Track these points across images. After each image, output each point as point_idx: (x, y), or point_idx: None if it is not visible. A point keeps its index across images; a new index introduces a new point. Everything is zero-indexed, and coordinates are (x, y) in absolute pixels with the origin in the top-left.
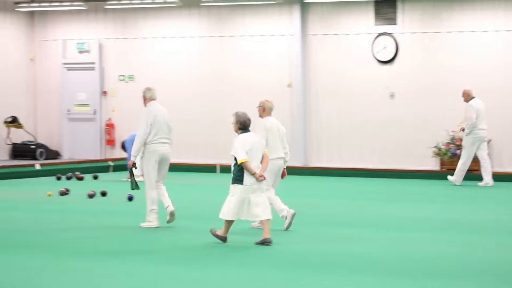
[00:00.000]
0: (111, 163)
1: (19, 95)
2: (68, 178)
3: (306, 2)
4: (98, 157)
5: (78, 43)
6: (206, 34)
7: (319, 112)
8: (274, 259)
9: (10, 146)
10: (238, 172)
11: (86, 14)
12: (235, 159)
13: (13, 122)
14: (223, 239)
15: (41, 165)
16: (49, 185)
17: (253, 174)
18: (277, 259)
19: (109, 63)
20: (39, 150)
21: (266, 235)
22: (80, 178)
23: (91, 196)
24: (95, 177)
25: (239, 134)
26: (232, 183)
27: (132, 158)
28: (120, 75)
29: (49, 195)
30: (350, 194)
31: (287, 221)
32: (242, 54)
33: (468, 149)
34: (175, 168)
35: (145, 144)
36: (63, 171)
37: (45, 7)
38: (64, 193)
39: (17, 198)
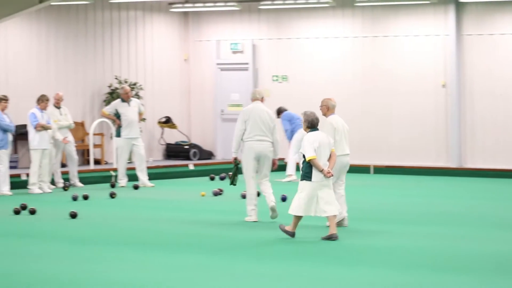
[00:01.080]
0: None
1: (173, 95)
2: (222, 179)
3: (461, 2)
4: None
5: (231, 44)
6: (360, 34)
7: (473, 112)
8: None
9: (164, 146)
10: (307, 169)
11: (239, 14)
12: (304, 156)
13: (167, 122)
14: (292, 234)
15: (195, 165)
16: (203, 185)
17: (321, 171)
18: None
19: (263, 63)
20: (192, 151)
21: (333, 230)
22: None
23: (244, 196)
24: None
25: (307, 132)
26: (301, 179)
27: (233, 155)
28: (274, 76)
29: (203, 195)
30: (495, 196)
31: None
32: (395, 54)
33: None
34: None
35: (243, 141)
36: (217, 172)
37: (199, 7)
38: (217, 193)
39: (171, 198)
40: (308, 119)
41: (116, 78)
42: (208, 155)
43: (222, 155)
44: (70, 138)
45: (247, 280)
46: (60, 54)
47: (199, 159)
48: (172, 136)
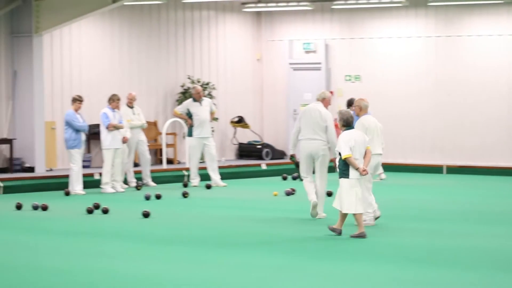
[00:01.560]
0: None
1: (246, 95)
2: (294, 178)
3: None
4: None
5: (304, 43)
6: (433, 34)
7: None
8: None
9: (237, 146)
10: (344, 167)
11: (312, 14)
12: (340, 154)
13: (240, 122)
14: (339, 232)
15: (267, 165)
16: (275, 185)
17: (356, 169)
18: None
19: (335, 63)
20: (265, 150)
21: (361, 229)
22: None
23: None
24: None
25: (343, 131)
26: (339, 177)
27: (290, 152)
28: (347, 75)
29: (275, 195)
30: None
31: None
32: (469, 54)
33: None
34: (401, 168)
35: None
36: (289, 171)
37: (271, 7)
38: (290, 193)
39: (243, 198)
40: (343, 118)
41: (188, 78)
42: (281, 154)
43: None
44: (143, 137)
45: (320, 279)
46: (133, 54)
47: (271, 158)
48: (245, 136)
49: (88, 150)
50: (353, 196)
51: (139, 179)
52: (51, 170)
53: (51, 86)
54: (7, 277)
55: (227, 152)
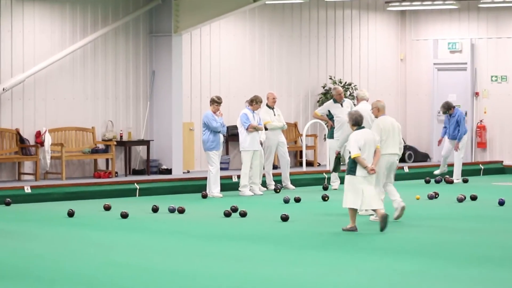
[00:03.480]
0: (481, 166)
1: (389, 95)
2: (437, 182)
3: None
4: (469, 160)
5: (449, 43)
6: None
7: None
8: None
9: None
10: (352, 164)
11: (458, 13)
12: (350, 153)
13: None
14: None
15: (409, 168)
16: (418, 188)
17: (365, 167)
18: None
19: (481, 63)
20: (407, 152)
21: (352, 223)
22: (450, 182)
23: (460, 200)
24: (465, 181)
25: (354, 130)
26: (346, 174)
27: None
28: (493, 76)
29: (417, 199)
30: None
31: (396, 212)
32: None
33: None
34: None
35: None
36: (432, 175)
37: (416, 6)
38: (432, 197)
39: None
40: (352, 118)
41: (330, 78)
42: (424, 157)
43: (438, 157)
44: (283, 139)
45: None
46: (274, 53)
47: (414, 161)
48: None
49: (227, 152)
50: (360, 193)
51: (278, 181)
52: (188, 172)
53: (189, 86)
54: (143, 280)
55: None
